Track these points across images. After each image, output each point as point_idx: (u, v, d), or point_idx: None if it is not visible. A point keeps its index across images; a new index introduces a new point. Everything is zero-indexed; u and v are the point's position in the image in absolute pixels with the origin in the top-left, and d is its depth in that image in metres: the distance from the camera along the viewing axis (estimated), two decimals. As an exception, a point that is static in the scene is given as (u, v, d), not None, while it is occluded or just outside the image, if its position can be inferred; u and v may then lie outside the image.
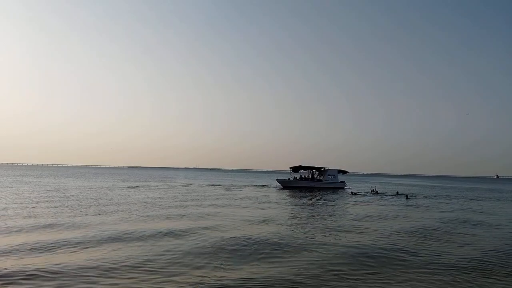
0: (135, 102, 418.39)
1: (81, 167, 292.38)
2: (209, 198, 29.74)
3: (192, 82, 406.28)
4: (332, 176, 52.07)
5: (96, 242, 11.45)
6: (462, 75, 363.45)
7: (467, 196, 42.54)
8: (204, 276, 8.29)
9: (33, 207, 20.50)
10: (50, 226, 14.38)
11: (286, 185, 51.87)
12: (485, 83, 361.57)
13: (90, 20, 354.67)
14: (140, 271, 8.58)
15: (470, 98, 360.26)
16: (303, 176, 52.87)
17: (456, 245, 12.73)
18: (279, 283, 8.01)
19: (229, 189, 46.13)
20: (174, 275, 8.35)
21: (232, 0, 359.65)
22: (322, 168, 52.99)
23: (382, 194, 41.91)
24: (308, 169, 53.36)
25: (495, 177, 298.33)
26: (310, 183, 51.02)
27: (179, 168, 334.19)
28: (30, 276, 8.02)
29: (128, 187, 41.81)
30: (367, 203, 29.67)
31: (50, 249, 10.52)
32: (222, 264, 9.42)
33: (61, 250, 10.43)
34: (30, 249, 10.45)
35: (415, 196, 38.92)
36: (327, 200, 31.22)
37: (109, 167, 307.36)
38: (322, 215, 20.57)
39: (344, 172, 54.86)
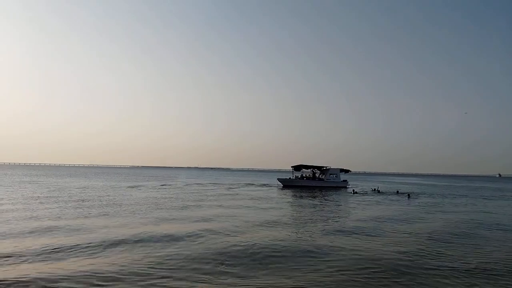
0: (135, 102, 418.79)
1: (82, 166, 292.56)
2: (211, 199, 29.55)
3: (192, 82, 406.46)
4: (334, 175, 51.84)
5: (99, 247, 11.09)
6: (462, 75, 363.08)
7: (472, 195, 42.28)
8: (212, 284, 8.00)
9: (35, 208, 20.35)
10: (52, 228, 14.20)
11: (287, 184, 51.67)
12: (485, 83, 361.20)
13: (90, 20, 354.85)
14: (145, 278, 8.36)
15: (470, 98, 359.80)
16: (304, 175, 52.69)
17: (480, 249, 12.09)
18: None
19: (231, 188, 46.08)
20: (181, 282, 8.12)
21: (232, 0, 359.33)
22: (324, 167, 52.77)
23: (384, 193, 41.73)
24: (309, 168, 53.18)
25: (498, 176, 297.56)
26: (311, 182, 50.79)
27: (180, 167, 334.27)
28: (28, 284, 7.80)
29: (130, 187, 41.64)
30: (370, 202, 29.43)
31: (52, 254, 10.32)
32: (225, 267, 9.21)
33: (64, 256, 10.21)
34: (28, 255, 10.25)
35: (417, 195, 38.70)
36: (329, 200, 31.01)
37: (110, 167, 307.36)
38: (327, 216, 20.32)
39: (347, 171, 54.63)
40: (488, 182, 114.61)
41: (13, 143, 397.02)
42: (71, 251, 10.40)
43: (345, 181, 52.79)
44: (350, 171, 56.93)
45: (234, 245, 11.62)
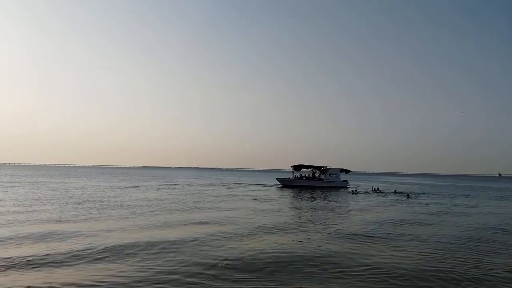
0: (135, 102, 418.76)
1: (82, 166, 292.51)
2: (211, 200, 29.47)
3: (192, 82, 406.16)
4: (334, 175, 51.80)
5: (102, 253, 10.86)
6: (462, 75, 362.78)
7: (474, 195, 42.24)
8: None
9: (35, 209, 20.28)
10: (52, 232, 14.13)
11: (286, 184, 51.66)
12: (485, 83, 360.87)
13: (90, 20, 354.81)
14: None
15: (470, 98, 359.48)
16: (303, 175, 52.66)
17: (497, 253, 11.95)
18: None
19: (231, 187, 46.17)
20: None
21: (232, 0, 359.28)
22: (324, 167, 52.72)
23: (383, 192, 41.87)
24: (309, 168, 53.14)
25: (498, 175, 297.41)
26: (310, 182, 50.77)
27: (180, 167, 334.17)
28: None
29: (130, 187, 41.61)
30: (370, 202, 29.36)
31: (53, 259, 10.25)
32: (225, 266, 9.16)
33: (66, 261, 10.13)
34: (26, 261, 10.20)
35: (416, 195, 38.67)
36: (329, 200, 30.94)
37: (110, 167, 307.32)
38: (328, 218, 20.24)
39: (347, 171, 54.57)
40: (488, 181, 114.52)
41: (13, 143, 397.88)
42: (71, 258, 10.29)
43: (345, 181, 52.72)
44: (351, 171, 56.90)
45: (239, 252, 11.28)
